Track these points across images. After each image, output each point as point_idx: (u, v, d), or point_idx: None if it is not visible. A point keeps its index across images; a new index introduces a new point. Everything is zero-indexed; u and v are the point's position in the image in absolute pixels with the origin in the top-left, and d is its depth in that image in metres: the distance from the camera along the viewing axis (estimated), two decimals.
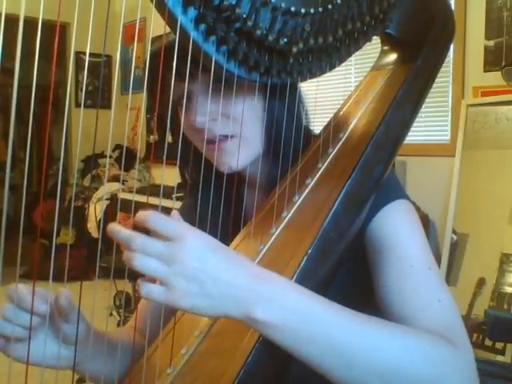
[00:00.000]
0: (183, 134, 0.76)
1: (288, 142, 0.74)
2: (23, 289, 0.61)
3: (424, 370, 0.53)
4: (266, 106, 0.74)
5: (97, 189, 4.36)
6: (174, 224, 0.51)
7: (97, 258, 0.65)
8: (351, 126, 0.79)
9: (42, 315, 0.61)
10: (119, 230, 0.50)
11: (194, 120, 0.71)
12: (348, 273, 0.71)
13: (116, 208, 3.57)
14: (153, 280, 0.50)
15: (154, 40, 0.73)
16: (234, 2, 0.59)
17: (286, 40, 0.64)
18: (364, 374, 0.52)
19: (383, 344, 0.53)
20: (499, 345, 2.10)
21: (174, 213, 0.56)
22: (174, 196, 0.68)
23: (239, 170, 0.76)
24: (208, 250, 0.51)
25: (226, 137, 0.74)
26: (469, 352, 0.58)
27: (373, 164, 0.72)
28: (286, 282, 0.55)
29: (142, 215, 0.50)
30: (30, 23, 0.53)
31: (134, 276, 0.51)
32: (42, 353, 0.64)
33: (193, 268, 0.49)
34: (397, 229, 0.69)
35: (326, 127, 0.81)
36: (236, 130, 0.73)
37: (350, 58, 0.76)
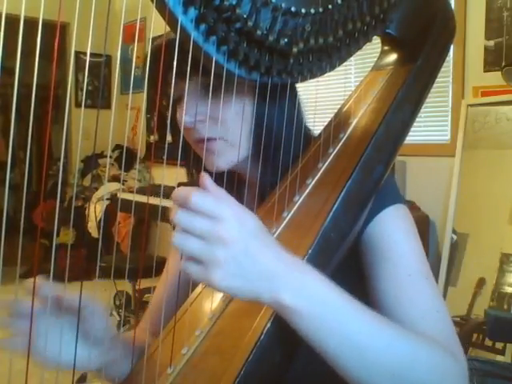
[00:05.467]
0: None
1: (279, 143, 0.74)
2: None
3: (430, 376, 0.55)
4: (256, 107, 0.74)
5: (97, 189, 4.36)
6: (216, 204, 0.50)
7: (97, 258, 0.65)
8: (351, 126, 0.79)
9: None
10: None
11: (183, 119, 0.72)
12: (341, 275, 0.71)
13: (116, 208, 3.57)
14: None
15: (154, 39, 0.73)
16: (234, 2, 0.59)
17: (286, 40, 0.64)
18: (376, 373, 0.53)
19: (399, 346, 0.55)
20: (499, 345, 2.10)
21: (218, 189, 0.53)
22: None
23: (226, 169, 0.76)
24: (251, 233, 0.52)
25: (214, 139, 0.74)
26: (465, 364, 0.59)
27: (373, 164, 0.71)
28: (317, 273, 0.55)
29: (183, 194, 0.50)
30: (31, 23, 0.53)
31: (134, 276, 0.50)
32: (71, 356, 0.63)
33: (236, 250, 0.50)
34: (394, 235, 0.69)
35: (326, 127, 0.81)
36: (222, 133, 0.73)
37: (350, 58, 0.76)
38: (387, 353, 0.54)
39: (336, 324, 0.53)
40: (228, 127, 0.73)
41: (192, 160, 0.80)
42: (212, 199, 0.50)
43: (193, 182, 0.84)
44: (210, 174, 0.72)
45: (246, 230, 0.51)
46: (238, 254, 0.50)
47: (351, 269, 0.70)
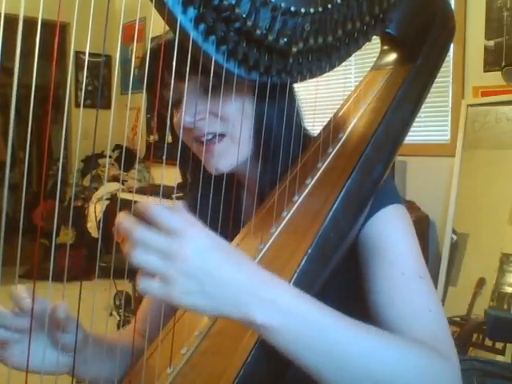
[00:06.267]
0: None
1: (278, 143, 0.74)
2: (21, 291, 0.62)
3: (420, 381, 0.54)
4: (255, 106, 0.74)
5: (97, 189, 4.36)
6: (176, 218, 0.49)
7: (97, 258, 0.65)
8: (351, 126, 0.79)
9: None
10: (120, 222, 0.49)
11: (182, 119, 0.71)
12: (340, 275, 0.71)
13: (116, 208, 3.56)
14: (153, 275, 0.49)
15: (154, 39, 0.73)
16: (233, 2, 0.59)
17: (285, 40, 0.64)
18: (359, 381, 0.52)
19: (380, 353, 0.53)
20: (499, 345, 2.10)
21: (177, 203, 0.52)
22: (173, 196, 0.68)
23: (227, 172, 0.76)
24: (210, 248, 0.50)
25: (215, 135, 0.74)
26: (457, 363, 0.58)
27: (373, 164, 0.71)
28: (287, 285, 0.54)
29: (142, 206, 0.48)
30: (30, 23, 0.53)
31: (134, 276, 0.50)
32: (40, 360, 0.64)
33: (194, 266, 0.48)
34: (391, 235, 0.69)
35: (326, 127, 0.81)
36: (225, 129, 0.73)
37: (349, 58, 0.76)
38: (371, 360, 0.52)
39: (312, 335, 0.51)
40: (229, 124, 0.73)
41: (188, 162, 0.80)
42: (170, 213, 0.49)
43: (190, 182, 0.84)
44: (210, 176, 0.73)
45: (205, 247, 0.49)
46: (194, 270, 0.48)
47: (351, 270, 0.70)
